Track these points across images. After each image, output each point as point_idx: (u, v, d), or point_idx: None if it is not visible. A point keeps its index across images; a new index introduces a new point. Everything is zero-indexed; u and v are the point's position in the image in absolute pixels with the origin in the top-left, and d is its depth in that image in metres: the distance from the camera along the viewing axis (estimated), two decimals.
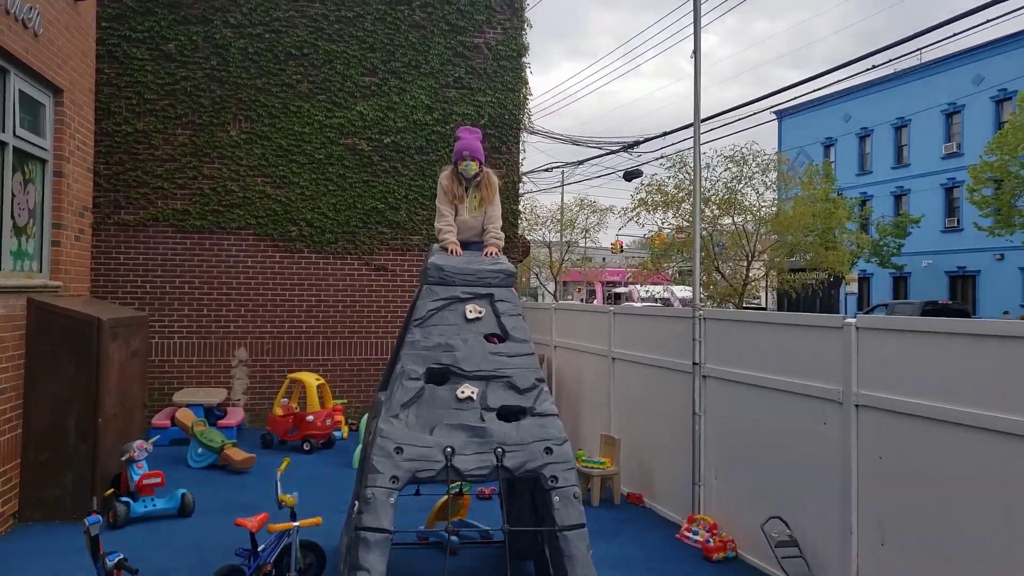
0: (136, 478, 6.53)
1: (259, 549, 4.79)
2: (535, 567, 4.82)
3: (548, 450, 4.51)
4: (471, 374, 4.69)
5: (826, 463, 5.24)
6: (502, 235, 5.40)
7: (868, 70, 19.34)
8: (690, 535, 6.51)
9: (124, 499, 6.45)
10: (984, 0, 11.22)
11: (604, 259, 51.05)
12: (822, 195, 23.65)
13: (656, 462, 7.55)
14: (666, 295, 39.47)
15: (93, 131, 8.43)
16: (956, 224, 34.04)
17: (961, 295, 34.16)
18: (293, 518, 4.94)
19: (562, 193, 34.35)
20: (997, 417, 3.96)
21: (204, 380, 10.92)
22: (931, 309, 24.91)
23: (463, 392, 4.62)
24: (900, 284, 37.06)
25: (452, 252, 5.21)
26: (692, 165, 21.31)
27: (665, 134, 17.62)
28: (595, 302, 48.46)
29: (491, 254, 5.23)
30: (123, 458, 6.62)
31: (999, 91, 31.46)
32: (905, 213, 34.97)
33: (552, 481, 4.45)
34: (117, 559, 3.93)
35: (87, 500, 6.53)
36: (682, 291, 34.65)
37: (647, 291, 38.28)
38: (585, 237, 37.66)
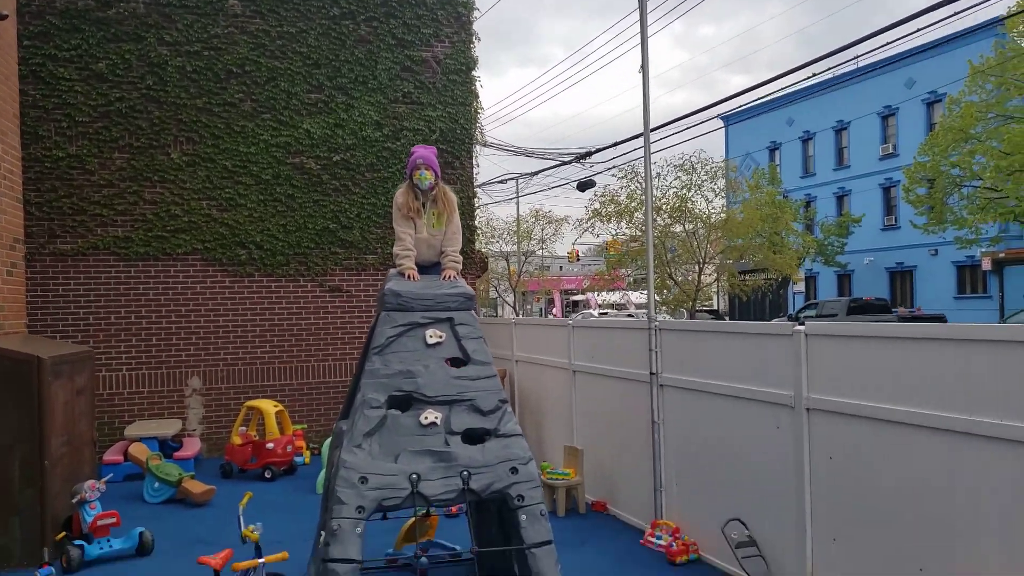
0: (89, 520, 6.30)
1: None
2: None
3: (514, 470, 4.50)
4: (434, 399, 4.66)
5: (781, 465, 5.36)
6: (460, 257, 5.38)
7: (809, 77, 19.92)
8: (654, 540, 6.58)
9: (78, 542, 6.22)
10: (917, 8, 11.63)
11: (561, 268, 51.42)
12: (768, 198, 24.20)
13: (619, 470, 7.60)
14: (623, 301, 39.89)
15: (20, 158, 8.12)
16: (894, 222, 35.15)
17: (900, 290, 35.27)
18: (258, 553, 4.83)
19: (517, 205, 34.51)
20: (939, 416, 4.10)
21: (157, 412, 10.62)
22: (856, 306, 25.84)
23: (427, 417, 4.58)
24: (844, 282, 38.08)
25: (409, 278, 5.16)
26: (643, 175, 21.64)
27: (616, 144, 17.82)
28: (554, 311, 48.72)
29: (449, 277, 5.20)
30: (74, 500, 6.38)
31: (930, 94, 32.64)
32: (847, 213, 35.99)
33: (519, 500, 4.44)
34: None
35: (37, 546, 6.30)
36: (639, 296, 35.03)
37: (605, 296, 38.67)
38: (542, 247, 37.90)
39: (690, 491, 6.46)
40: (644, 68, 6.71)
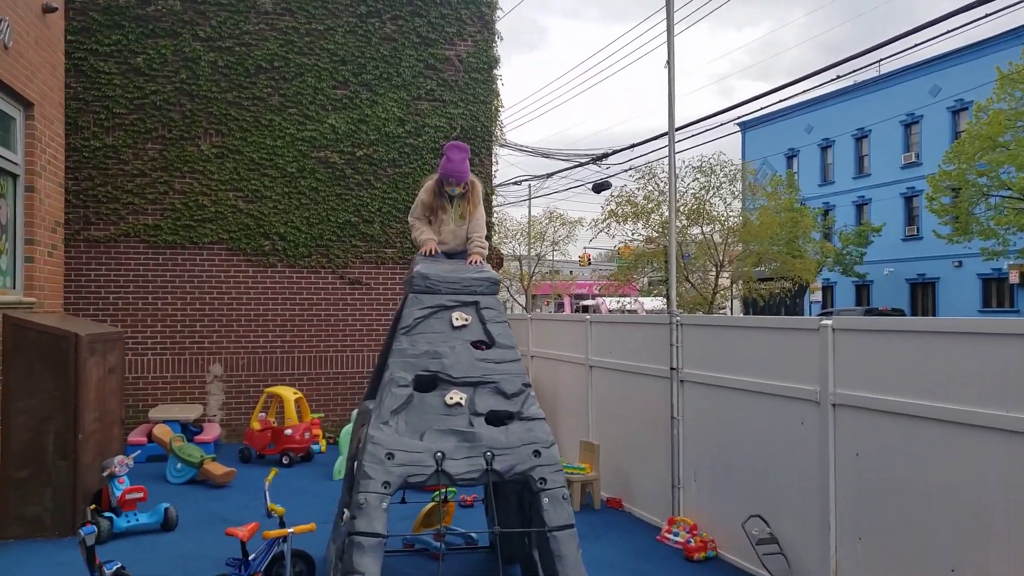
0: (118, 493, 6.47)
1: (250, 558, 4.79)
2: (522, 571, 4.88)
3: (536, 453, 4.59)
4: (459, 380, 4.76)
5: (804, 462, 5.38)
6: (486, 244, 5.49)
7: (830, 82, 19.89)
8: (671, 536, 6.62)
9: (107, 514, 6.38)
10: (941, 13, 11.61)
11: (572, 272, 51.40)
12: (786, 205, 24.17)
13: (635, 467, 7.66)
14: (634, 307, 39.83)
15: (64, 146, 8.36)
16: (916, 232, 34.90)
17: (921, 302, 34.99)
18: (283, 527, 4.96)
19: (529, 206, 34.60)
20: (971, 411, 4.11)
21: (179, 396, 10.82)
22: (871, 316, 25.62)
23: (452, 398, 4.68)
24: (863, 292, 37.85)
25: (430, 251, 5.29)
26: (661, 176, 21.68)
27: (633, 146, 17.88)
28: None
29: (475, 262, 5.31)
30: (104, 474, 6.56)
31: (955, 101, 32.40)
32: (867, 222, 35.76)
33: (541, 483, 4.53)
34: (115, 568, 3.92)
35: (68, 516, 6.48)
36: (651, 302, 34.97)
37: (617, 302, 38.62)
38: (554, 249, 37.93)
39: (709, 488, 6.50)
40: (670, 60, 6.79)
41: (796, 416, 5.46)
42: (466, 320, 4.97)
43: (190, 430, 9.94)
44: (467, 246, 5.41)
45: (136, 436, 9.54)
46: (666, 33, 6.93)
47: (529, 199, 33.22)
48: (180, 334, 10.88)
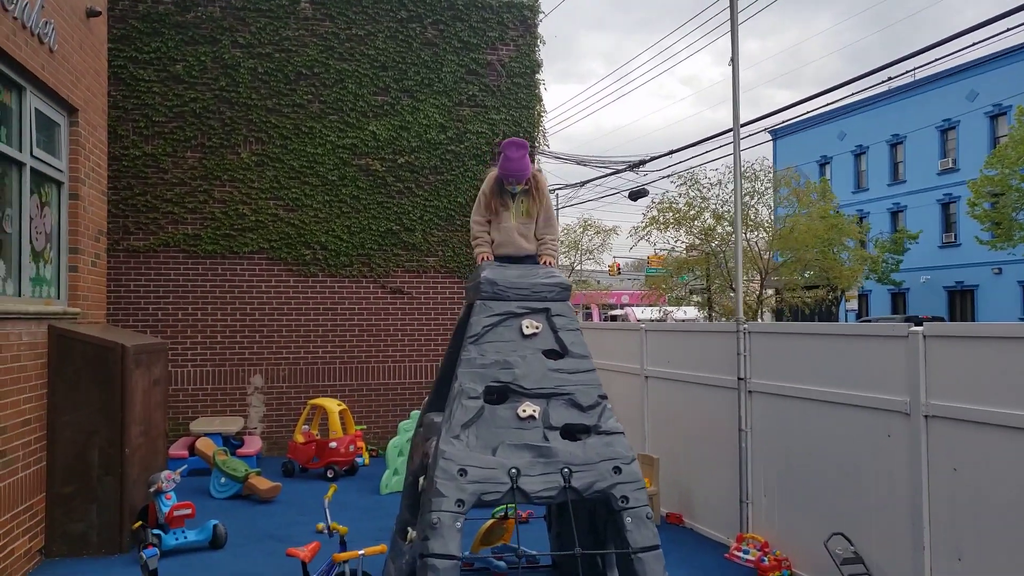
0: (166, 510, 6.26)
1: None
2: None
3: (617, 469, 4.30)
4: (531, 392, 4.49)
5: (891, 477, 5.05)
6: (557, 245, 5.22)
7: (864, 90, 19.50)
8: (740, 554, 6.29)
9: (155, 531, 6.17)
10: (967, 22, 11.30)
11: (599, 281, 51.00)
12: (821, 212, 23.66)
13: (697, 481, 7.33)
14: (663, 316, 39.29)
15: (107, 153, 8.23)
16: (953, 239, 34.16)
17: (960, 310, 34.19)
18: (343, 546, 4.71)
19: (557, 216, 34.33)
20: None
21: (219, 409, 10.64)
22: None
23: (524, 411, 4.41)
24: (899, 300, 37.10)
25: (482, 259, 5.07)
26: (702, 182, 21.30)
27: (671, 152, 17.56)
28: None
29: (547, 263, 5.04)
30: (151, 489, 6.35)
31: (993, 106, 31.72)
32: (903, 229, 35.07)
33: (623, 502, 4.23)
34: None
35: (115, 534, 6.28)
36: (682, 313, 34.40)
37: (659, 311, 38.17)
38: (591, 258, 37.59)
39: (781, 504, 6.16)
40: (734, 60, 6.52)
41: (881, 428, 5.13)
42: (537, 328, 4.69)
43: (231, 443, 9.76)
44: (538, 247, 5.14)
45: (177, 450, 9.35)
46: (730, 33, 6.65)
47: (558, 208, 32.95)
48: (220, 345, 10.71)
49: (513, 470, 4.18)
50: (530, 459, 4.26)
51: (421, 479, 4.66)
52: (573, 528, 4.16)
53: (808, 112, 18.11)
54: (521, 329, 4.68)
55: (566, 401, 4.51)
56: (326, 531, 4.89)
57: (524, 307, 4.74)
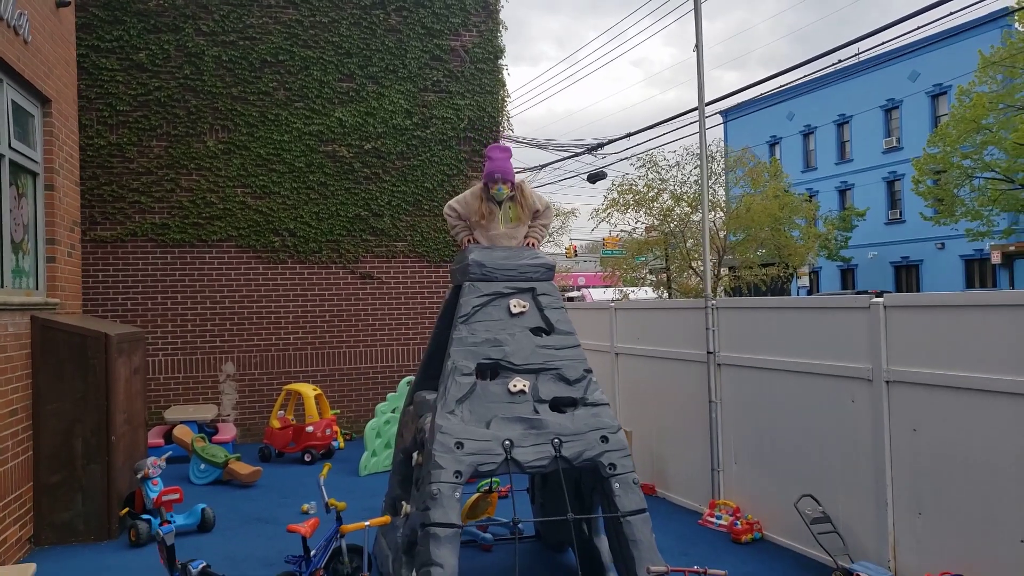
0: (153, 495, 6.35)
1: (311, 554, 4.72)
2: (578, 558, 4.84)
3: (604, 439, 4.55)
4: (521, 367, 4.71)
5: (856, 440, 5.40)
6: (546, 232, 5.40)
7: (812, 74, 20.08)
8: (713, 520, 6.63)
9: (144, 516, 6.26)
10: (920, 5, 11.73)
11: (557, 264, 51.32)
12: (774, 191, 24.29)
13: (668, 452, 7.65)
14: (621, 298, 39.81)
15: (78, 144, 8.17)
16: (899, 216, 35.28)
17: (906, 284, 35.40)
18: (339, 521, 4.89)
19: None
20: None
21: (192, 397, 10.65)
22: None
23: (515, 385, 4.63)
24: (848, 276, 38.22)
25: (467, 242, 5.24)
26: (660, 164, 21.66)
27: (629, 135, 17.86)
28: None
29: (531, 244, 5.25)
30: (138, 476, 6.43)
31: (934, 86, 32.78)
32: (850, 207, 36.11)
33: (611, 469, 4.49)
34: (201, 566, 3.82)
35: (103, 521, 6.35)
36: (644, 293, 34.94)
37: (603, 293, 38.67)
38: (550, 241, 37.86)
39: (751, 470, 6.50)
40: (699, 46, 6.78)
41: (845, 394, 5.48)
42: (524, 307, 4.91)
43: (205, 431, 9.79)
44: (528, 229, 5.32)
45: (153, 438, 9.36)
46: (694, 18, 6.90)
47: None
48: (191, 334, 10.71)
49: (507, 442, 4.41)
50: (522, 431, 4.49)
51: (415, 455, 4.85)
52: (566, 495, 4.40)
53: (760, 94, 18.56)
54: (509, 308, 4.89)
55: (554, 375, 4.75)
56: (323, 508, 5.06)
57: (511, 287, 4.95)
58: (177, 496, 6.48)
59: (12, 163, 6.32)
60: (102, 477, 6.39)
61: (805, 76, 23.07)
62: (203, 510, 6.59)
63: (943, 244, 32.63)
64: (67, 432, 6.34)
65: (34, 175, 6.87)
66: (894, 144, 35.32)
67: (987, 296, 4.51)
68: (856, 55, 21.35)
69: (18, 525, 5.88)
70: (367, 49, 11.46)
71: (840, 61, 20.23)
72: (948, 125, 25.01)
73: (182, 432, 8.82)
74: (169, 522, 4.29)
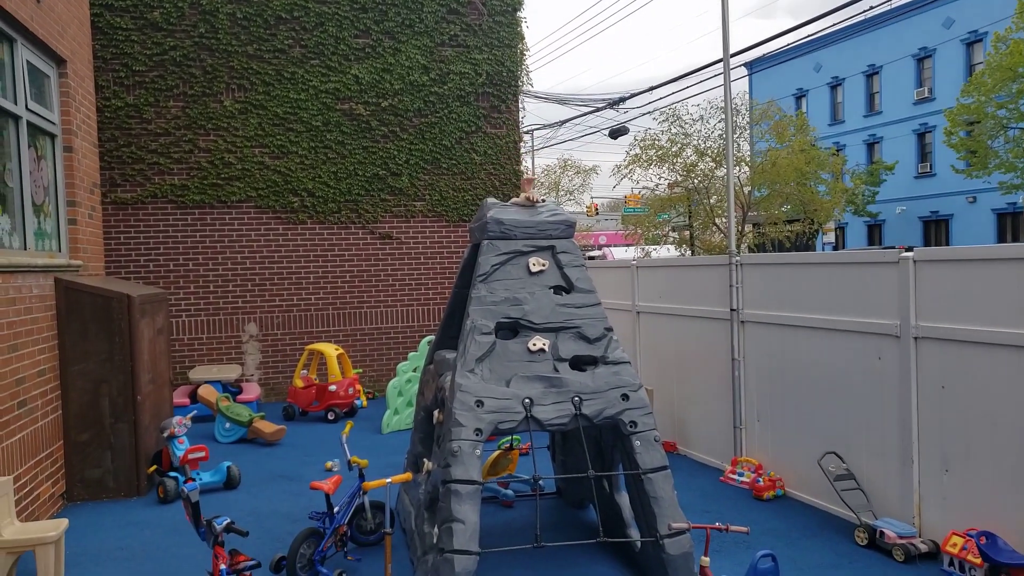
0: (180, 453, 6.44)
1: (335, 510, 4.76)
2: (599, 514, 4.84)
3: (625, 396, 4.51)
4: (540, 326, 4.67)
5: (881, 397, 5.32)
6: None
7: (841, 22, 19.46)
8: (735, 477, 6.61)
9: (171, 474, 6.36)
10: None
11: (578, 222, 51.01)
12: (800, 145, 23.82)
13: (690, 410, 7.62)
14: (643, 256, 39.52)
15: (95, 104, 8.14)
16: (929, 169, 34.49)
17: (935, 239, 34.77)
18: (362, 477, 4.93)
19: (533, 157, 34.15)
20: None
21: (215, 357, 10.77)
22: None
23: (535, 344, 4.59)
24: (875, 232, 37.59)
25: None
26: (684, 118, 21.23)
27: (651, 89, 17.51)
28: None
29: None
30: (164, 434, 6.52)
31: (969, 33, 31.71)
32: (879, 160, 35.34)
33: (632, 426, 4.46)
34: (225, 522, 3.87)
35: (132, 478, 6.46)
36: (666, 251, 34.72)
37: (625, 251, 38.42)
38: (571, 199, 37.55)
39: (773, 428, 6.46)
40: None
41: (872, 351, 5.38)
42: (543, 265, 4.85)
43: (229, 390, 9.91)
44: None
45: (179, 398, 9.49)
46: None
47: (532, 150, 32.68)
48: (213, 295, 10.78)
49: (527, 400, 4.38)
50: (542, 389, 4.46)
51: (436, 412, 4.85)
52: (586, 453, 4.38)
53: (786, 45, 18.05)
54: (528, 267, 4.83)
55: (574, 334, 4.70)
56: (345, 466, 5.10)
57: (530, 245, 4.88)
58: (203, 454, 6.57)
59: (30, 124, 6.30)
60: (129, 435, 6.49)
61: (834, 24, 22.40)
62: (228, 468, 6.68)
63: (975, 198, 31.90)
64: (94, 392, 6.43)
65: (52, 137, 6.86)
66: (926, 95, 34.37)
67: (1020, 249, 4.37)
68: (887, 2, 20.67)
69: (51, 482, 6.00)
70: (383, 3, 11.26)
71: (871, 7, 19.59)
72: (983, 73, 24.21)
73: (207, 392, 8.92)
74: (193, 480, 4.34)
